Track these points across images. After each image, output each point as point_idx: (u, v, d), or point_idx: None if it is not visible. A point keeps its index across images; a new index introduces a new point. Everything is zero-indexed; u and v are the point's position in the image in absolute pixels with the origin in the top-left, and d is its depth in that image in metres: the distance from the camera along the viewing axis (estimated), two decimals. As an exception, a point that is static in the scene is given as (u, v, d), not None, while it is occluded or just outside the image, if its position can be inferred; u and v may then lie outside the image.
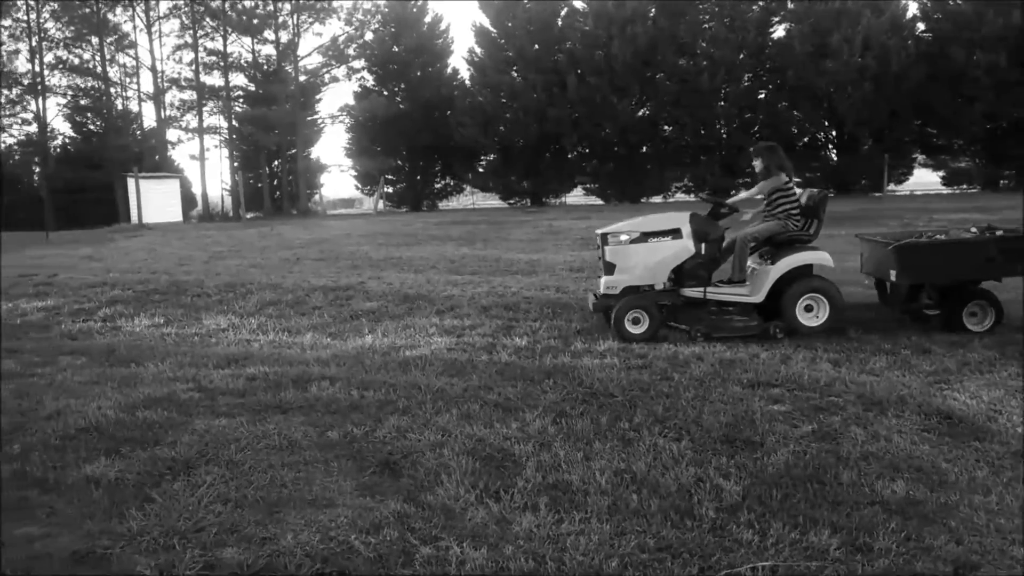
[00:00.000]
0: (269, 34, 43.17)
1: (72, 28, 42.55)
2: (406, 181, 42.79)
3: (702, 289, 7.22)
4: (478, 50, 39.71)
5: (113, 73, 44.23)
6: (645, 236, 7.33)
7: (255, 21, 42.42)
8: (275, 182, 45.24)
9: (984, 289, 7.06)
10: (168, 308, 9.47)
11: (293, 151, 43.12)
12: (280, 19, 42.83)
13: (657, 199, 37.77)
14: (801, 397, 5.12)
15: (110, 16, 42.87)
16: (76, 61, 43.34)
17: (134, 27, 43.78)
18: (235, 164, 44.01)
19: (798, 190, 7.65)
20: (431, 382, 5.65)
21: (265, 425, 4.76)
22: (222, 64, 43.70)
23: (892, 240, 7.18)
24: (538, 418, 4.73)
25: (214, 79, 44.52)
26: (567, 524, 3.33)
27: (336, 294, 9.91)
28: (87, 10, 41.80)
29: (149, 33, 43.44)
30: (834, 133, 36.21)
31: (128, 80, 45.40)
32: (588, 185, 40.06)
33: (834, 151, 36.80)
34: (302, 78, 42.79)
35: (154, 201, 31.25)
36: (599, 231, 7.69)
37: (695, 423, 4.60)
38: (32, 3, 42.09)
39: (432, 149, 40.15)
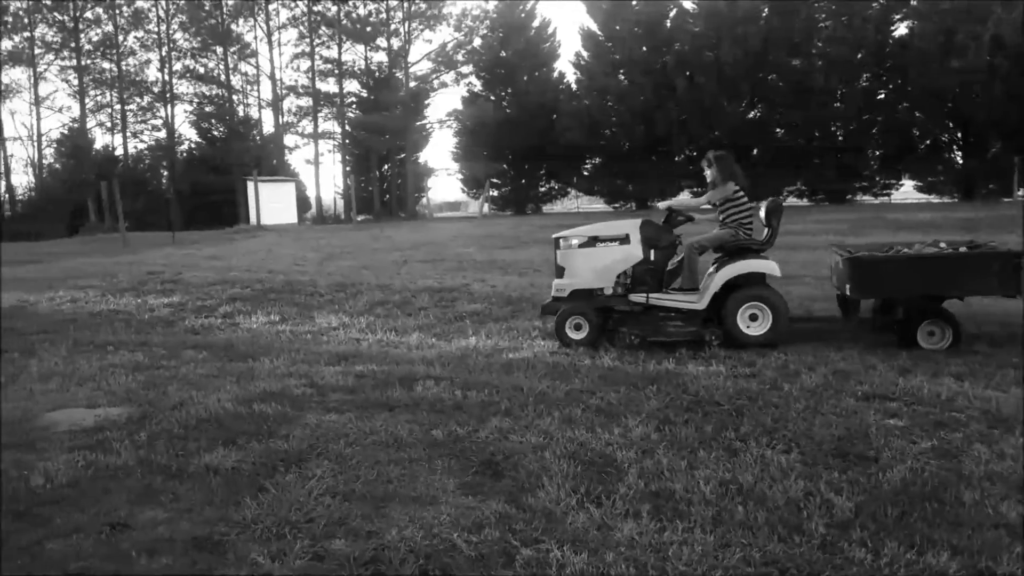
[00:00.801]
0: (381, 41, 44.46)
1: (199, 39, 44.97)
2: (511, 185, 43.16)
3: (645, 295, 7.20)
4: (584, 54, 39.68)
5: (236, 81, 46.52)
6: (593, 241, 7.42)
7: (368, 29, 43.73)
8: (384, 186, 46.45)
9: (943, 308, 6.66)
10: (283, 306, 9.86)
11: (402, 155, 44.17)
12: (392, 27, 44.05)
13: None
14: (920, 412, 4.87)
15: (233, 27, 45.03)
16: (202, 70, 45.82)
17: (255, 37, 45.91)
18: (347, 168, 45.42)
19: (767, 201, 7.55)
20: (533, 385, 5.67)
21: (373, 422, 4.89)
22: (337, 71, 45.25)
23: (852, 252, 6.91)
24: (641, 424, 4.68)
25: (329, 86, 46.22)
26: (670, 533, 3.28)
27: (441, 295, 10.08)
28: (212, 21, 44.02)
29: (269, 43, 45.47)
30: (959, 135, 34.32)
31: (249, 88, 47.63)
32: (695, 188, 39.38)
33: (959, 154, 34.90)
34: (412, 84, 43.83)
35: (271, 203, 32.57)
36: (554, 235, 7.74)
37: (805, 435, 4.44)
38: (162, 15, 44.66)
39: (537, 153, 40.32)
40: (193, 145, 47.03)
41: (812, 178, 35.54)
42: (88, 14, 43.95)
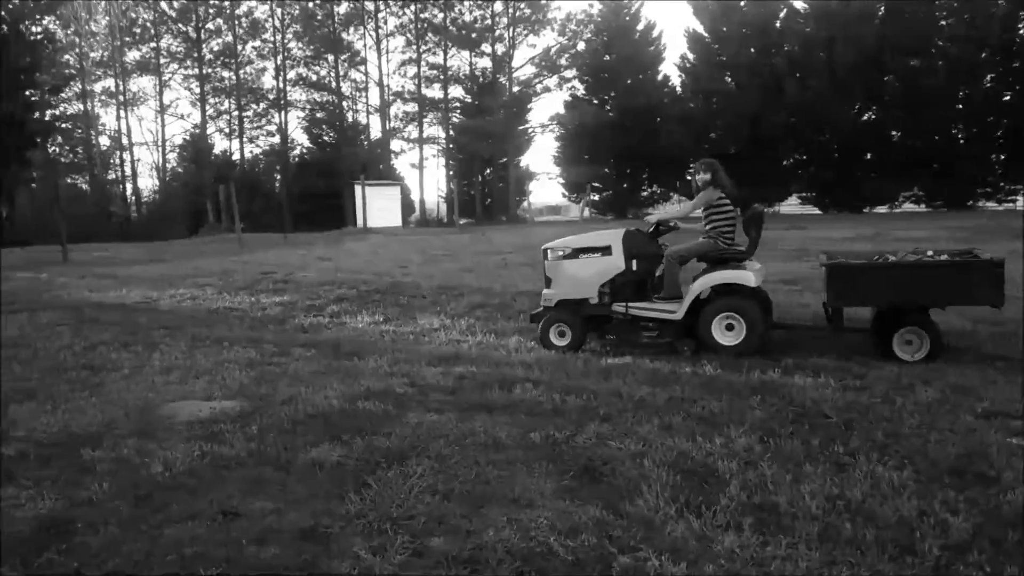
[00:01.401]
0: (486, 47, 45.02)
1: (312, 47, 46.63)
2: (612, 189, 42.92)
3: (625, 304, 7.31)
4: (690, 56, 39.09)
5: (345, 88, 47.98)
6: (576, 252, 7.60)
7: (473, 35, 44.34)
8: (486, 189, 46.98)
9: (922, 317, 6.43)
10: (387, 307, 10.10)
11: (504, 160, 44.56)
12: (497, 32, 44.50)
13: (882, 209, 35.29)
14: (1048, 432, 4.58)
15: (344, 35, 46.47)
16: (314, 78, 47.51)
17: (365, 45, 47.12)
18: (450, 172, 46.16)
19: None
20: (633, 391, 5.62)
21: (472, 423, 4.95)
22: (442, 77, 46.09)
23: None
24: (744, 435, 4.57)
25: (434, 91, 47.11)
26: (772, 547, 3.19)
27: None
28: (325, 30, 45.55)
29: (378, 50, 46.67)
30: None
31: (358, 94, 49.03)
32: (804, 194, 38.21)
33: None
34: (515, 89, 44.17)
35: (377, 206, 33.40)
36: (543, 246, 7.94)
37: (920, 452, 4.24)
38: (278, 25, 46.52)
39: (639, 156, 39.95)
40: (304, 150, 48.79)
41: (931, 184, 33.88)
42: (210, 25, 46.24)
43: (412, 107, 47.29)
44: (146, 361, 7.16)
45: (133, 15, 45.79)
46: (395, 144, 48.39)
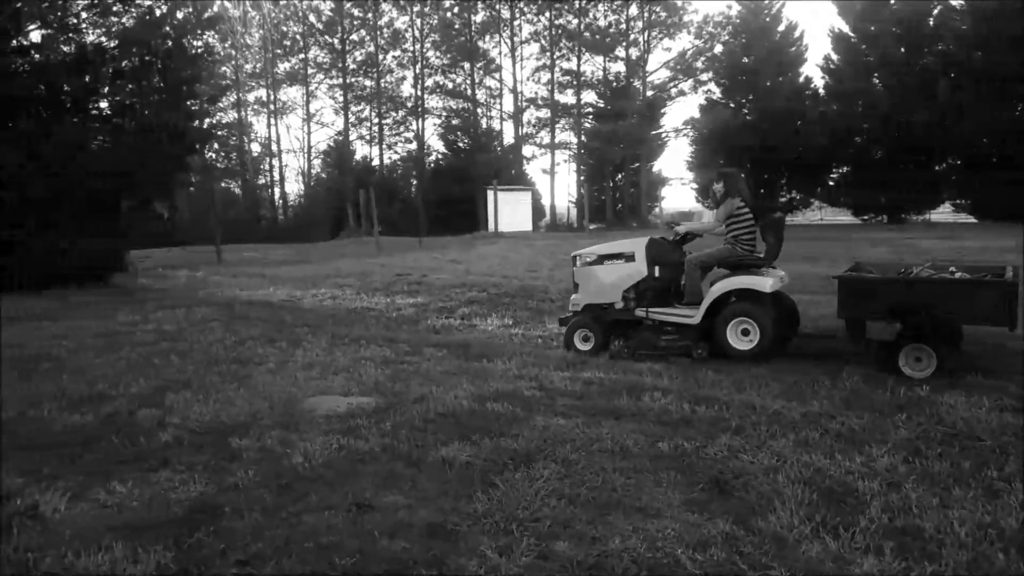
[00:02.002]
0: (620, 51, 44.75)
1: (449, 56, 47.79)
2: (748, 194, 41.63)
3: (646, 310, 7.50)
4: (834, 56, 37.45)
5: (480, 95, 48.84)
6: (602, 259, 7.87)
7: (607, 40, 44.19)
8: (617, 194, 46.71)
9: (930, 334, 6.21)
10: (516, 310, 10.21)
11: (636, 164, 44.17)
12: (631, 36, 44.19)
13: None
14: None
15: (480, 43, 47.35)
16: (450, 85, 48.65)
17: (500, 53, 47.89)
18: (581, 177, 46.17)
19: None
20: (767, 403, 5.44)
21: (599, 429, 4.92)
22: (575, 83, 46.16)
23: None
24: (887, 454, 4.33)
25: (567, 97, 47.28)
26: (916, 574, 3.01)
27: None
28: (462, 39, 46.58)
29: (512, 57, 47.34)
30: None
31: (492, 101, 49.83)
32: (958, 200, 35.82)
33: None
34: (649, 93, 43.71)
35: (509, 211, 33.85)
36: (572, 253, 8.29)
37: (1088, 482, 3.90)
38: (417, 35, 47.96)
39: (778, 161, 38.58)
40: (440, 156, 50.05)
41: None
42: (354, 36, 48.19)
43: (544, 113, 47.68)
44: (290, 357, 7.53)
45: (284, 29, 48.40)
46: (527, 149, 48.98)
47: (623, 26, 44.41)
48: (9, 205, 13.98)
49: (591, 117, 46.74)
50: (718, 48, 42.62)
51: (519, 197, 36.37)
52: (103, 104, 17.12)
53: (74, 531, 3.56)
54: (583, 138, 46.10)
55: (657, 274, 7.62)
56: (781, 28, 40.83)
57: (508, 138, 49.22)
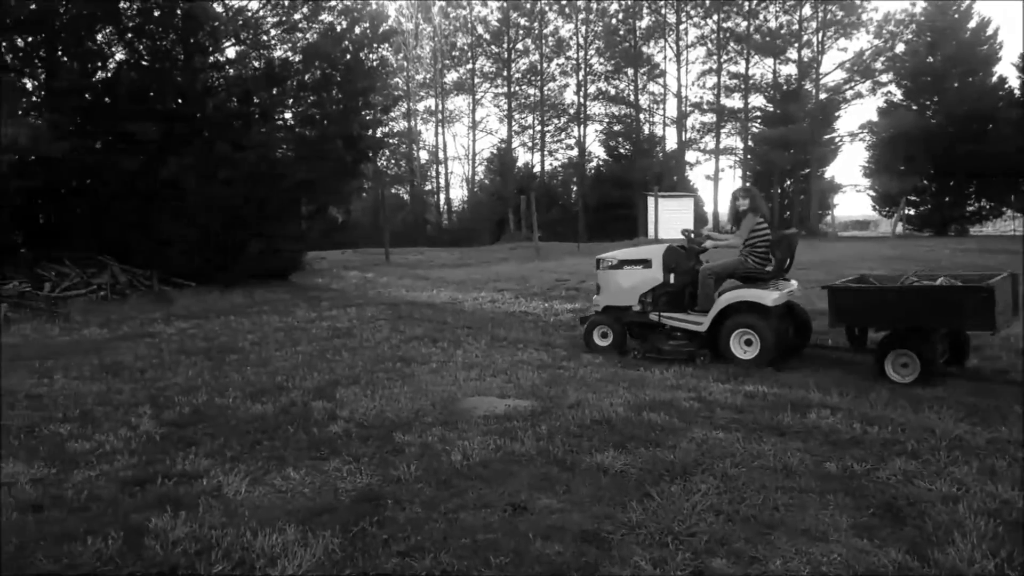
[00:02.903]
0: (791, 53, 43.03)
1: (612, 62, 47.65)
2: (931, 203, 38.86)
3: (658, 313, 7.97)
4: (1034, 53, 34.29)
5: (643, 101, 48.36)
6: (622, 264, 8.36)
7: (778, 42, 42.61)
8: (785, 202, 44.88)
9: (915, 340, 6.49)
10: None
11: (806, 170, 42.30)
12: (804, 37, 42.39)
13: None
14: None
15: (644, 49, 46.93)
16: (613, 92, 48.47)
17: (664, 58, 47.20)
18: (747, 184, 44.72)
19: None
20: (948, 427, 5.05)
21: (761, 444, 4.75)
22: (743, 86, 44.83)
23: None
24: (1089, 490, 3.91)
25: (734, 101, 45.99)
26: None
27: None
28: (626, 45, 46.36)
29: (677, 62, 46.55)
30: None
31: (655, 107, 49.19)
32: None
33: None
34: (822, 96, 41.75)
35: (669, 218, 33.30)
36: (596, 257, 8.80)
37: None
38: (581, 43, 48.16)
39: (966, 167, 35.75)
40: (600, 162, 50.01)
41: None
42: (519, 46, 49.04)
43: (710, 118, 46.57)
44: (450, 357, 7.76)
45: (453, 40, 49.95)
46: (690, 155, 47.98)
47: (795, 27, 42.67)
48: (213, 209, 15.28)
49: (759, 121, 45.21)
50: (900, 47, 40.11)
51: (680, 203, 35.71)
52: (287, 115, 18.36)
53: (252, 512, 3.83)
54: (750, 143, 44.67)
55: (672, 281, 8.09)
56: (971, 25, 37.90)
57: (671, 143, 48.48)
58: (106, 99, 15.17)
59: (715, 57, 45.35)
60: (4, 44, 15.23)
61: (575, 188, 50.28)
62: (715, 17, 44.27)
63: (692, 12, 45.24)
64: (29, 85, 16.00)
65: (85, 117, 15.50)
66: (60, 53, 15.23)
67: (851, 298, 6.86)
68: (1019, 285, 6.76)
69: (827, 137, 42.04)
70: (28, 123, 13.36)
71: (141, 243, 15.60)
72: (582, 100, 49.14)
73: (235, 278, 15.71)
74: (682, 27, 46.11)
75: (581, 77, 48.84)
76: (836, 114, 42.86)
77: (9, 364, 7.87)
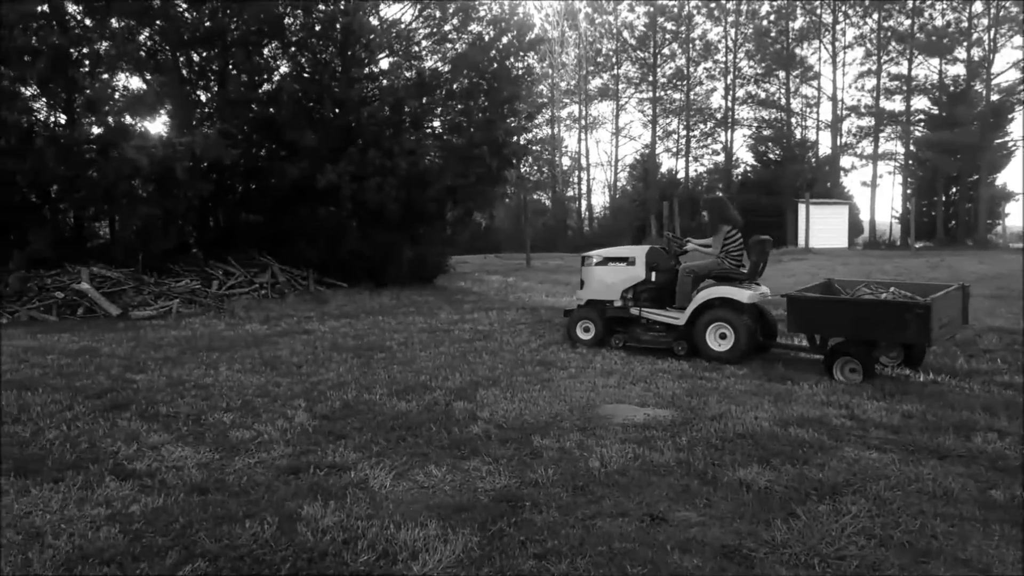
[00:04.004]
0: (960, 52, 40.28)
1: (763, 65, 46.19)
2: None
3: (639, 308, 8.63)
4: None
5: (795, 104, 46.58)
6: (606, 261, 9.00)
7: (945, 40, 39.98)
8: (951, 210, 41.98)
9: (857, 348, 7.00)
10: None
11: (975, 177, 39.43)
12: (974, 35, 39.61)
13: None
14: None
15: (797, 51, 45.22)
16: (762, 95, 46.95)
17: (819, 59, 45.35)
18: (908, 191, 42.22)
19: None
20: None
21: (918, 467, 4.47)
22: (904, 88, 42.34)
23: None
24: None
25: (894, 104, 43.47)
26: None
27: (1013, 337, 8.75)
28: (778, 46, 44.84)
29: (833, 63, 44.54)
30: None
31: (808, 110, 47.26)
32: None
33: None
34: (993, 97, 38.82)
35: (821, 226, 31.92)
36: (582, 254, 9.55)
37: None
38: (730, 46, 46.98)
39: None
40: (748, 168, 48.55)
41: None
42: (665, 50, 48.39)
43: (867, 121, 44.23)
44: (589, 363, 7.75)
45: (598, 47, 49.93)
46: (845, 161, 45.68)
47: (964, 24, 39.90)
48: (365, 214, 16.01)
49: (922, 125, 42.53)
50: (1087, 43, 36.71)
51: (834, 211, 34.13)
52: (436, 123, 18.93)
53: (396, 506, 3.97)
54: (911, 148, 42.10)
55: (653, 279, 8.73)
56: None
57: (824, 149, 46.40)
58: (270, 109, 16.13)
59: (874, 58, 43.06)
60: (182, 59, 16.48)
61: (720, 194, 49.06)
62: (875, 16, 42.04)
63: (850, 12, 43.17)
64: (203, 97, 17.25)
65: (252, 127, 16.56)
66: (231, 67, 16.31)
67: (806, 308, 7.32)
68: (968, 297, 7.53)
69: (999, 142, 39.03)
70: (202, 132, 14.39)
71: (300, 245, 16.52)
72: (730, 104, 47.92)
73: (385, 280, 16.38)
74: (839, 27, 44.12)
75: (729, 81, 47.65)
76: (1009, 116, 39.72)
77: (180, 355, 8.51)
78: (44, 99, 15.71)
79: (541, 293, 14.76)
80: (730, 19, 46.90)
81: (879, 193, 45.28)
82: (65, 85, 14.68)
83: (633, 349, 8.55)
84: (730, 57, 47.52)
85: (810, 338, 7.62)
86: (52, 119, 15.97)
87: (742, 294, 8.01)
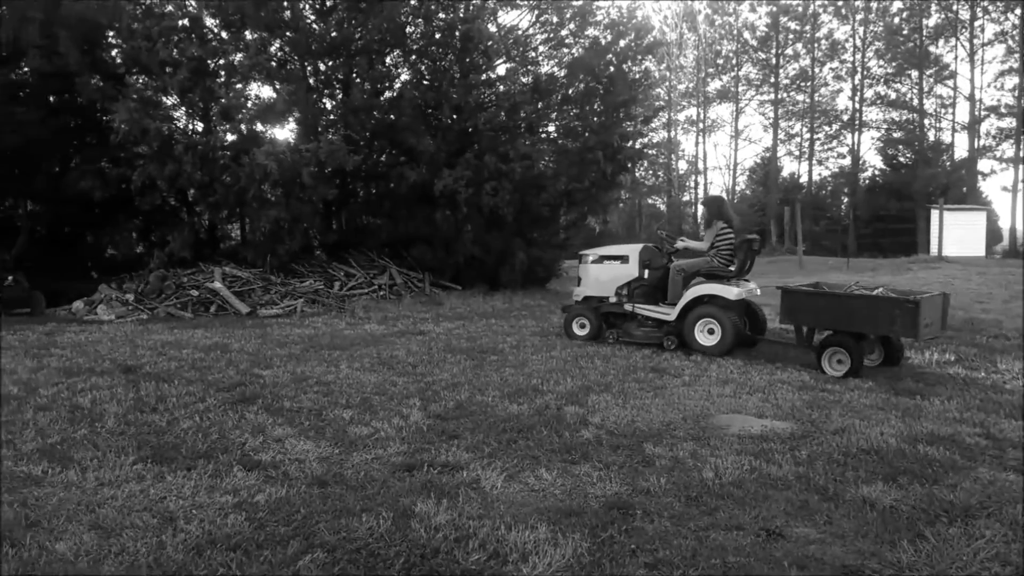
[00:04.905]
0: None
1: (893, 64, 44.11)
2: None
3: (632, 304, 9.07)
4: None
5: (928, 105, 44.27)
6: (602, 259, 9.49)
7: (1100, 34, 37.08)
8: (1105, 217, 38.85)
9: (846, 340, 7.42)
10: (960, 346, 9.07)
11: None
12: None
13: None
14: None
15: (932, 49, 42.95)
16: (893, 96, 44.82)
17: (955, 58, 42.90)
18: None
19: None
20: None
21: (1063, 493, 4.16)
22: (1051, 86, 39.50)
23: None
24: None
25: (1039, 103, 40.60)
26: None
27: None
28: (910, 44, 42.72)
29: (971, 62, 42.07)
30: None
31: (942, 111, 44.86)
32: None
33: None
34: None
35: (956, 233, 30.12)
36: (580, 252, 9.99)
37: None
38: (858, 44, 45.07)
39: None
40: (876, 171, 46.46)
41: None
42: (788, 51, 46.92)
43: (1009, 122, 41.49)
44: (704, 371, 7.59)
45: (718, 48, 48.93)
46: (983, 164, 43.07)
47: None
48: (481, 218, 16.27)
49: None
50: None
51: (970, 218, 32.12)
52: (551, 128, 19.00)
53: (507, 507, 4.00)
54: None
55: (646, 276, 9.19)
56: None
57: (960, 151, 43.87)
58: (391, 116, 16.60)
59: (1017, 55, 40.37)
60: (309, 68, 17.20)
61: (845, 199, 47.12)
62: (1019, 11, 39.42)
63: (990, 7, 40.65)
64: (328, 105, 17.94)
65: (373, 133, 17.10)
66: (355, 75, 16.90)
67: (799, 300, 7.77)
68: (948, 304, 7.91)
69: None
70: (327, 139, 14.97)
71: (417, 248, 16.94)
72: (857, 105, 45.97)
73: (498, 284, 16.58)
74: (977, 23, 41.64)
75: (857, 81, 45.73)
76: None
77: (303, 353, 8.87)
78: (183, 108, 16.75)
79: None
80: (858, 17, 45.02)
81: (1021, 198, 42.05)
82: (202, 95, 15.58)
83: (752, 357, 8.33)
84: (858, 56, 45.63)
85: (798, 331, 8.03)
86: (190, 127, 16.99)
87: (729, 291, 8.48)
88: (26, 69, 16.72)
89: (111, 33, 16.63)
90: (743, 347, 8.64)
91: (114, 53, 16.90)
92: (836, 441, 5.11)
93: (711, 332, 8.45)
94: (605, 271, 9.48)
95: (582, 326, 9.53)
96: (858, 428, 5.41)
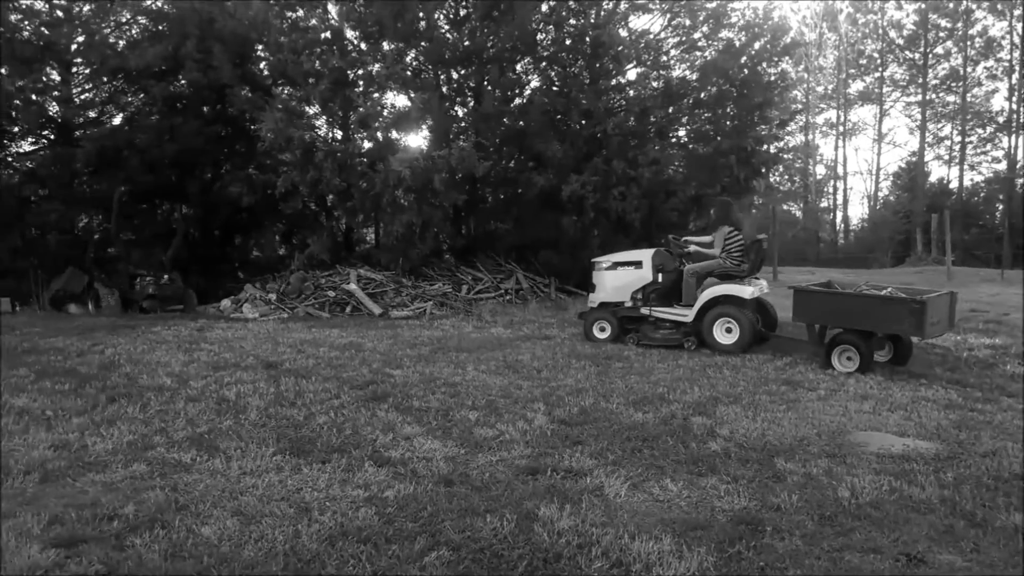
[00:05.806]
0: None
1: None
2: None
3: (649, 307, 9.53)
4: None
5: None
6: (615, 265, 9.88)
7: None
8: None
9: (855, 338, 7.77)
10: None
11: None
12: None
13: None
14: None
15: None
16: (1058, 94, 41.47)
17: None
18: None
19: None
20: None
21: None
22: None
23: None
24: None
25: None
26: None
27: None
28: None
29: None
30: None
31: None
32: None
33: None
34: None
35: None
36: (592, 259, 10.32)
37: None
38: (1016, 42, 42.01)
39: None
40: (1036, 177, 43.10)
41: None
42: (938, 49, 44.28)
43: None
44: (841, 385, 7.26)
45: (861, 48, 46.76)
46: None
47: None
48: (608, 224, 16.22)
49: None
50: None
51: None
52: (681, 132, 18.69)
53: (631, 516, 3.96)
54: None
55: (660, 280, 9.49)
56: None
57: None
58: (520, 122, 16.76)
59: None
60: (443, 76, 17.61)
61: (1000, 207, 43.95)
62: None
63: None
64: (459, 112, 18.31)
65: (502, 139, 17.33)
66: (486, 83, 17.16)
67: (811, 299, 8.13)
68: (956, 303, 8.17)
69: None
70: (458, 146, 15.28)
71: (543, 253, 17.04)
72: (1014, 106, 42.83)
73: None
74: None
75: (1015, 80, 42.59)
76: None
77: (432, 354, 9.09)
78: (324, 117, 17.52)
79: (787, 309, 14.03)
80: (1016, 12, 41.91)
81: None
82: (342, 104, 16.25)
83: (895, 372, 7.90)
84: (1016, 54, 42.47)
85: (810, 329, 8.40)
86: (330, 135, 17.76)
87: (744, 291, 8.91)
88: (183, 81, 17.90)
89: (260, 47, 17.59)
90: (757, 343, 9.06)
91: (262, 66, 17.86)
92: (986, 464, 4.79)
93: (729, 331, 8.92)
94: (620, 277, 9.81)
95: (602, 329, 9.82)
96: (1011, 451, 5.05)
